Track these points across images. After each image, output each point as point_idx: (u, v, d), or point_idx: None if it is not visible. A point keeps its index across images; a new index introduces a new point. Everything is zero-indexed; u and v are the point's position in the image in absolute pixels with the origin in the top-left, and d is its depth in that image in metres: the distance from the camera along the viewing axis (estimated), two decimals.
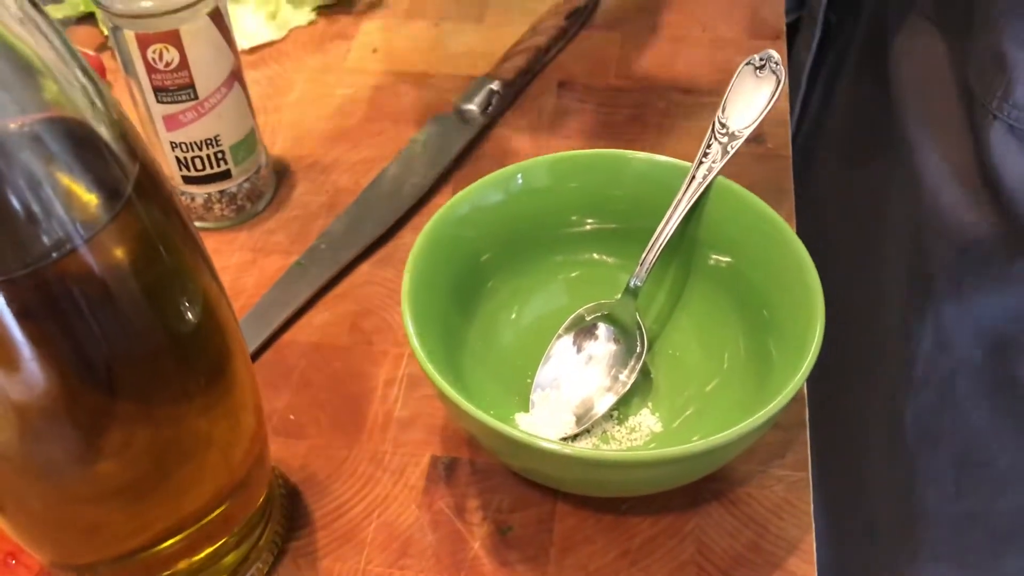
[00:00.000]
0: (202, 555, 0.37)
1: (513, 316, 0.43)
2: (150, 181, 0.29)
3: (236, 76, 0.49)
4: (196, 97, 0.47)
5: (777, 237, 0.39)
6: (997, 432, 0.55)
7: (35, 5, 0.25)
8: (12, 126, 0.26)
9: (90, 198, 0.27)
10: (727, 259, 0.41)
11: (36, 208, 0.26)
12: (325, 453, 0.43)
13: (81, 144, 0.27)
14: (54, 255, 0.26)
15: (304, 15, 0.64)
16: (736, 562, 0.39)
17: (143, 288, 0.29)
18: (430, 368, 0.35)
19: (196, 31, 0.45)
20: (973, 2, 0.48)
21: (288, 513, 0.41)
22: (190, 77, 0.46)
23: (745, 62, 0.42)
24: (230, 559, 0.38)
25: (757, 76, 0.42)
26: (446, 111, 0.57)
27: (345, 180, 0.55)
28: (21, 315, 0.27)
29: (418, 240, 0.40)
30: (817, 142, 0.71)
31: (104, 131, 0.27)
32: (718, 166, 0.41)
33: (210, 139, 0.49)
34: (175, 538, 0.36)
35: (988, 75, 0.47)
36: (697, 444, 0.32)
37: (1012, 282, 0.50)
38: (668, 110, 0.58)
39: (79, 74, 0.27)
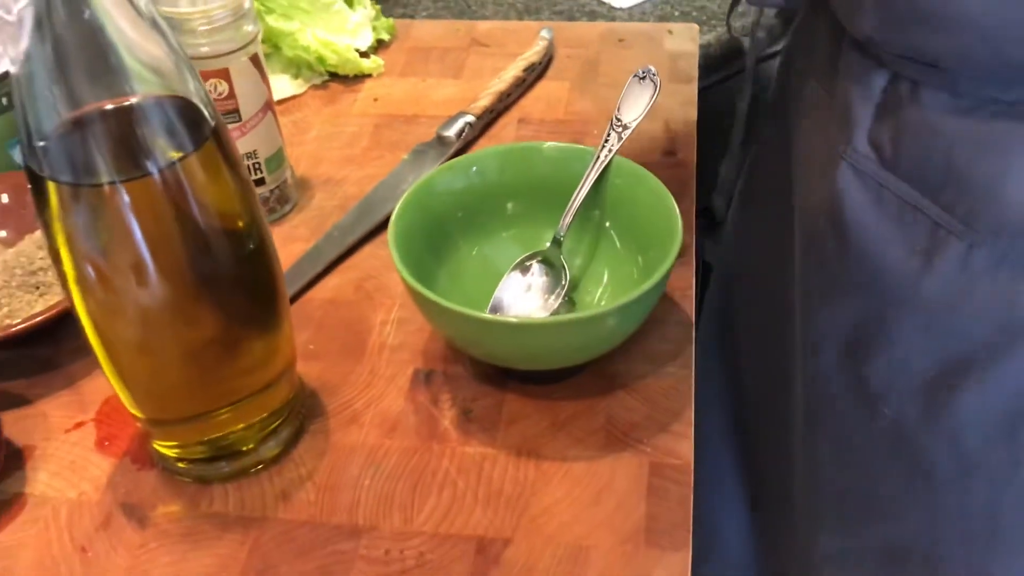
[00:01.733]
0: (245, 424, 0.52)
1: (472, 259, 0.59)
2: (221, 131, 0.45)
3: (269, 106, 0.66)
4: (240, 119, 0.64)
5: (650, 187, 0.55)
6: (856, 420, 0.62)
7: (173, 39, 0.41)
8: (150, 99, 0.42)
9: (187, 136, 0.43)
10: (623, 211, 0.57)
11: (157, 139, 0.42)
12: (336, 369, 0.58)
13: (183, 107, 0.43)
14: (164, 165, 0.42)
15: (319, 76, 0.82)
16: (634, 427, 0.54)
17: (219, 205, 0.45)
18: (408, 276, 0.51)
19: (240, 69, 0.62)
20: (839, 67, 0.57)
21: (308, 406, 0.56)
22: (236, 104, 0.63)
23: (633, 75, 0.59)
24: (267, 430, 0.53)
25: (641, 84, 0.58)
26: (430, 139, 0.74)
27: (352, 190, 0.71)
28: (139, 211, 0.42)
29: (400, 203, 0.56)
30: (749, 183, 0.81)
31: (197, 102, 0.44)
32: (616, 148, 0.57)
33: (249, 153, 0.65)
34: (231, 406, 0.51)
35: (840, 125, 0.56)
36: (581, 313, 0.48)
37: (850, 295, 0.58)
38: (601, 134, 0.74)
39: (187, 71, 0.43)
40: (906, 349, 0.56)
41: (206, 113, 0.44)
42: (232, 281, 0.47)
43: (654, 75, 0.58)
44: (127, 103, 0.42)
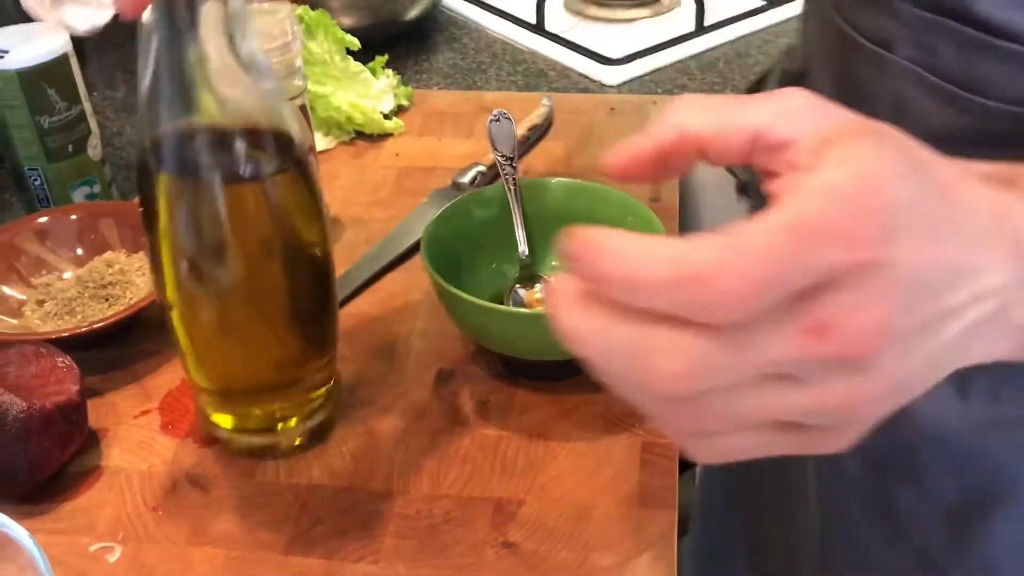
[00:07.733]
0: (293, 401, 0.61)
1: (490, 272, 0.69)
2: (303, 155, 0.55)
3: (312, 150, 0.76)
4: None
5: (640, 214, 0.65)
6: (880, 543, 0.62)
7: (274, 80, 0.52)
8: (259, 128, 0.52)
9: (279, 155, 0.53)
10: None
11: (255, 157, 0.52)
12: (369, 371, 0.67)
13: (281, 136, 0.53)
14: (261, 175, 0.52)
15: (347, 134, 0.93)
16: (628, 415, 0.63)
17: (299, 212, 0.55)
18: (435, 274, 0.61)
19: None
20: None
21: (345, 398, 0.65)
22: None
23: (489, 119, 0.77)
24: (305, 409, 0.61)
25: (498, 125, 0.75)
26: (446, 186, 0.84)
27: (378, 228, 0.81)
28: (235, 211, 0.52)
29: (430, 223, 0.66)
30: None
31: (292, 132, 0.54)
32: (519, 175, 0.71)
33: None
34: (285, 386, 0.60)
35: None
36: None
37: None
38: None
39: (286, 110, 0.53)
40: (933, 477, 0.57)
41: (298, 143, 0.54)
42: (300, 277, 0.57)
43: (507, 116, 0.75)
44: (230, 124, 0.52)
